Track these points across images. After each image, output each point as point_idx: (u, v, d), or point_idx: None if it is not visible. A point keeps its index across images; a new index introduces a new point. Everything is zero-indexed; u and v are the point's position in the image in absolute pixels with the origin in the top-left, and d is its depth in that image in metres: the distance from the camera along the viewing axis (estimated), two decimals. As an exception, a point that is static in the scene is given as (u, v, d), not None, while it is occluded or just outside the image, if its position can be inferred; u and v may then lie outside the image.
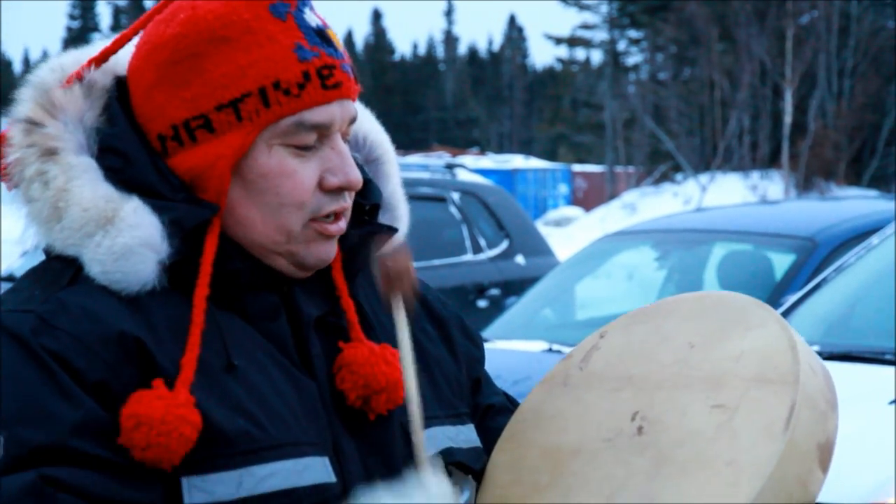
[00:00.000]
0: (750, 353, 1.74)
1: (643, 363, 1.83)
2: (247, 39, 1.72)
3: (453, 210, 9.73)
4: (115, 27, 77.62)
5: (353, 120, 1.79)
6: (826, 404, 1.71)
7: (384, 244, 1.88)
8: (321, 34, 1.75)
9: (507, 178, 36.90)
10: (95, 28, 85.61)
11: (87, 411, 1.61)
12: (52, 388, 1.61)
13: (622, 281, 8.11)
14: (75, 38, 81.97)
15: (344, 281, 1.83)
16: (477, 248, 9.74)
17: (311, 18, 1.76)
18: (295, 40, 1.73)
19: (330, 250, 1.79)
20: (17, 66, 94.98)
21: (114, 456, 1.61)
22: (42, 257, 1.77)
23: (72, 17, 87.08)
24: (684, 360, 1.79)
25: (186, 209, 1.71)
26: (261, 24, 1.72)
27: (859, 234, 6.55)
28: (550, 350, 6.42)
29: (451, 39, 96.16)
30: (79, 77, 1.75)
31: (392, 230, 1.89)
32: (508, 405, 2.01)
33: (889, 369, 4.58)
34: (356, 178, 1.77)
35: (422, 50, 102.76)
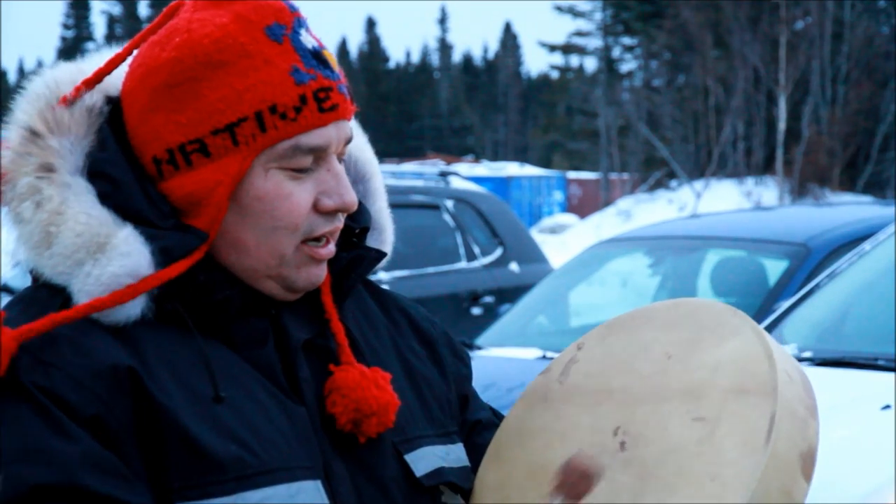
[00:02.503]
0: (727, 363, 1.73)
1: (622, 375, 1.82)
2: (243, 63, 1.71)
3: (447, 218, 9.74)
4: (110, 37, 77.60)
5: (348, 140, 1.78)
6: (805, 411, 1.70)
7: (373, 267, 1.89)
8: (317, 56, 1.75)
9: (502, 185, 36.92)
10: (90, 37, 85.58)
11: (83, 446, 1.60)
12: (47, 426, 1.60)
13: (616, 288, 8.11)
14: (70, 47, 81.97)
15: (333, 304, 1.83)
16: (471, 256, 9.75)
17: (308, 40, 1.75)
18: (291, 63, 1.72)
19: (320, 273, 1.79)
20: (12, 76, 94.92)
21: (108, 491, 1.59)
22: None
23: (66, 26, 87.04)
24: (663, 372, 1.78)
25: (176, 238, 1.71)
26: (257, 48, 1.71)
27: (852, 240, 6.56)
28: (544, 357, 6.42)
29: (445, 47, 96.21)
30: (77, 98, 1.73)
31: (381, 254, 1.89)
32: (495, 420, 2.01)
33: (882, 375, 4.59)
34: (352, 200, 1.77)
35: (416, 58, 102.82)
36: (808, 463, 1.67)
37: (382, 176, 1.97)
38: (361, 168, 1.92)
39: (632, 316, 1.90)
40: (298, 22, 1.75)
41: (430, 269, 9.34)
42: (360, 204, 1.86)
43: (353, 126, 1.86)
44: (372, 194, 1.92)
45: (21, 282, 9.70)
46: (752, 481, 1.61)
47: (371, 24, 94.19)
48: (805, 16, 38.01)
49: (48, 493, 1.57)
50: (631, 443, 1.74)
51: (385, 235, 1.93)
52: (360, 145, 1.92)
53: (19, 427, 1.59)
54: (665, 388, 1.76)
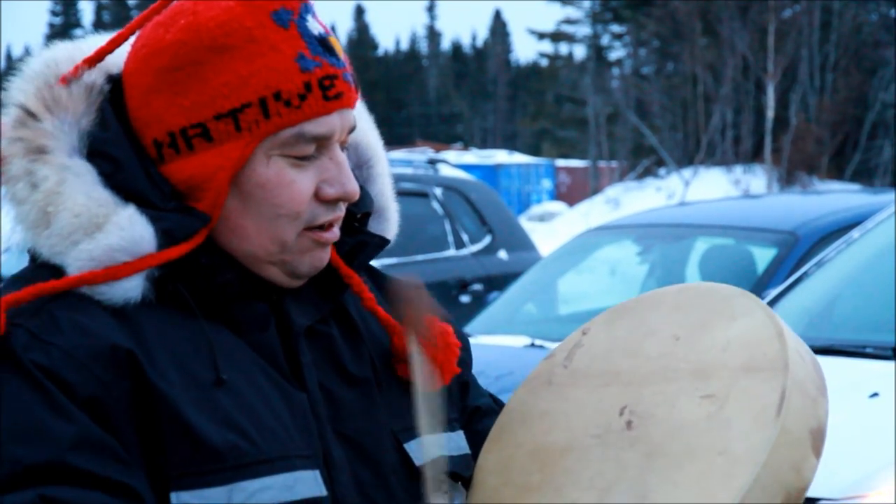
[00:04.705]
0: (736, 342, 1.73)
1: (629, 358, 1.82)
2: (249, 48, 1.69)
3: (436, 205, 9.73)
4: (98, 23, 77.39)
5: (352, 129, 1.77)
6: (816, 390, 1.70)
7: (376, 253, 1.88)
8: (323, 42, 1.73)
9: (490, 173, 36.89)
10: (78, 24, 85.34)
11: (81, 427, 1.59)
12: (45, 405, 1.58)
13: (605, 276, 8.12)
14: (57, 34, 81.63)
15: (348, 268, 1.83)
16: (459, 244, 9.74)
17: (314, 26, 1.73)
18: (297, 49, 1.70)
19: (324, 257, 1.78)
20: (0, 63, 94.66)
21: (105, 473, 1.58)
22: (25, 257, 1.74)
23: (54, 13, 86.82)
24: (670, 353, 1.78)
25: (178, 219, 1.69)
26: (263, 33, 1.69)
27: (840, 228, 6.57)
28: (533, 345, 6.43)
29: (434, 35, 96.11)
30: (76, 76, 1.72)
31: (384, 241, 1.88)
32: (494, 407, 2.00)
33: (870, 363, 4.60)
34: (353, 189, 1.75)
35: (405, 45, 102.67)
36: (818, 440, 1.67)
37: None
38: (364, 153, 1.89)
39: (638, 300, 1.89)
40: (305, 7, 1.73)
41: (419, 257, 9.33)
42: (362, 188, 1.84)
43: (359, 110, 1.84)
44: (374, 179, 1.90)
45: (9, 268, 9.67)
46: (762, 455, 1.60)
47: (360, 12, 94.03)
48: (794, 4, 38.03)
49: (43, 472, 1.56)
50: (637, 422, 1.74)
51: (387, 215, 1.91)
52: (364, 129, 1.89)
53: (17, 406, 1.58)
54: (673, 369, 1.76)
